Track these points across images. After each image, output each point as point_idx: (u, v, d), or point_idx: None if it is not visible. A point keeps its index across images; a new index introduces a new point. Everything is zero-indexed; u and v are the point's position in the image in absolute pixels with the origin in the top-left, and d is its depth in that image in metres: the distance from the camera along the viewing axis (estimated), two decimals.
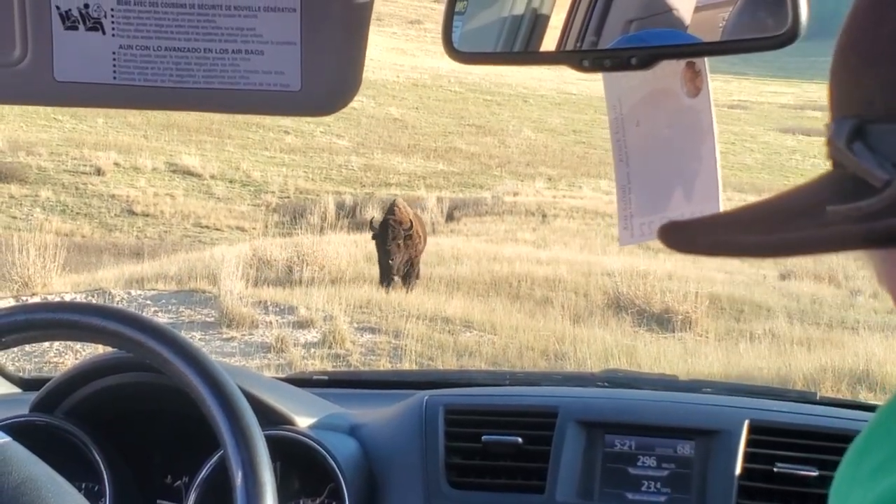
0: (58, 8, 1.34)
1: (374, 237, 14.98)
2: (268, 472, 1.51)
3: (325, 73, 1.39)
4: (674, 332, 13.06)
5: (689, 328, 13.24)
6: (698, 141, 1.46)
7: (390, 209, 15.43)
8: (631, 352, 11.44)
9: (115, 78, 1.38)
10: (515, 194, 26.90)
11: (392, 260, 14.55)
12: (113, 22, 1.35)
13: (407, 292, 14.33)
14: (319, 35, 1.36)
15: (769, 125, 40.91)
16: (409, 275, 15.04)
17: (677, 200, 1.48)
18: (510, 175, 30.33)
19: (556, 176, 30.30)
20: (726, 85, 48.08)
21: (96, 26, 1.35)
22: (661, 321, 13.49)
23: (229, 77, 1.38)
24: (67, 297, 13.19)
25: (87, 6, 1.35)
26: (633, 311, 13.71)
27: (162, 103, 1.42)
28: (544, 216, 24.47)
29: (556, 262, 16.86)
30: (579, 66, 1.40)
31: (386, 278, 14.65)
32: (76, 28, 1.35)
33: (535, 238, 21.53)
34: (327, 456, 2.05)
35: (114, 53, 1.36)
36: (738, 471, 2.04)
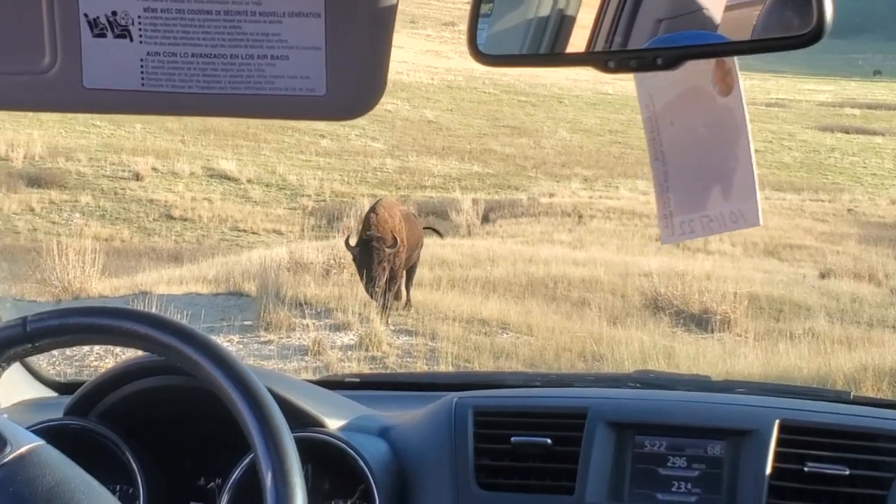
0: (86, 16, 1.36)
1: (354, 260, 13.13)
2: (297, 474, 1.51)
3: (350, 77, 1.40)
4: (712, 332, 12.98)
5: (728, 328, 13.15)
6: (733, 139, 1.46)
7: (367, 220, 13.33)
8: (669, 353, 11.38)
9: (143, 84, 1.39)
10: (551, 195, 26.83)
11: (377, 288, 12.58)
12: (140, 29, 1.36)
13: (383, 317, 12.60)
14: (344, 39, 1.37)
15: (807, 123, 40.58)
16: (388, 292, 12.94)
17: (716, 199, 1.48)
18: (546, 176, 30.26)
19: (592, 176, 30.21)
20: (763, 83, 47.75)
21: (124, 33, 1.37)
22: (700, 322, 13.42)
23: (255, 82, 1.39)
24: (107, 302, 13.31)
25: (114, 14, 1.36)
26: (670, 312, 13.65)
27: (189, 109, 1.44)
28: (580, 217, 24.39)
29: (592, 264, 16.80)
30: (605, 68, 1.40)
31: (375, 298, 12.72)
32: (104, 35, 1.37)
33: (571, 239, 21.47)
34: (357, 457, 2.06)
35: (141, 60, 1.38)
36: (768, 470, 2.03)
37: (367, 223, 13.31)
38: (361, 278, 12.96)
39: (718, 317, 13.33)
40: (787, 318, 13.91)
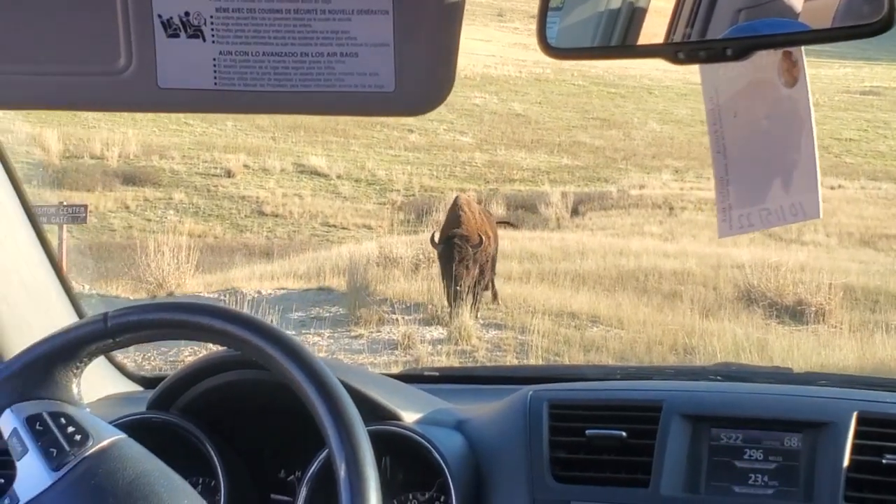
0: (160, 17, 1.39)
1: (438, 257, 13.10)
2: (371, 467, 1.52)
3: (418, 73, 1.41)
4: (807, 324, 12.80)
5: (823, 320, 12.96)
6: (796, 131, 1.45)
7: (454, 218, 13.26)
8: (762, 345, 11.24)
9: (216, 84, 1.42)
10: (641, 187, 26.67)
11: (460, 286, 12.35)
12: (213, 29, 1.39)
13: (473, 311, 12.43)
14: (412, 36, 1.38)
15: None
16: (477, 286, 12.81)
17: (776, 191, 1.47)
18: (636, 168, 30.07)
19: (682, 168, 29.93)
20: (858, 71, 46.78)
21: (197, 33, 1.39)
22: (794, 313, 13.23)
23: (325, 80, 1.41)
24: (200, 298, 13.51)
25: (187, 14, 1.39)
26: (764, 304, 13.47)
27: (261, 107, 1.46)
28: (671, 209, 24.20)
29: (684, 256, 16.66)
30: (674, 59, 1.40)
31: (453, 301, 12.47)
32: (178, 36, 1.39)
33: (662, 231, 21.32)
34: (433, 450, 2.06)
35: (214, 60, 1.40)
36: (846, 462, 2.01)
37: (453, 221, 13.31)
38: (443, 275, 12.89)
39: (813, 308, 13.14)
40: (884, 309, 13.65)
